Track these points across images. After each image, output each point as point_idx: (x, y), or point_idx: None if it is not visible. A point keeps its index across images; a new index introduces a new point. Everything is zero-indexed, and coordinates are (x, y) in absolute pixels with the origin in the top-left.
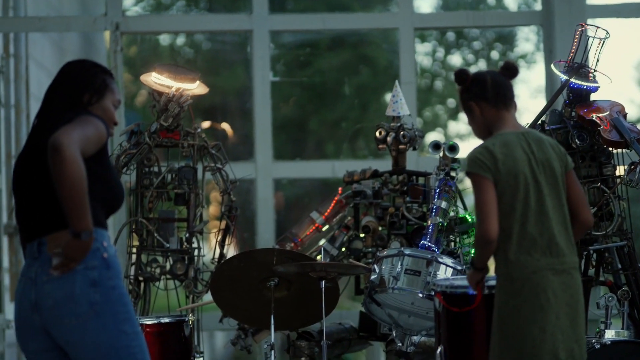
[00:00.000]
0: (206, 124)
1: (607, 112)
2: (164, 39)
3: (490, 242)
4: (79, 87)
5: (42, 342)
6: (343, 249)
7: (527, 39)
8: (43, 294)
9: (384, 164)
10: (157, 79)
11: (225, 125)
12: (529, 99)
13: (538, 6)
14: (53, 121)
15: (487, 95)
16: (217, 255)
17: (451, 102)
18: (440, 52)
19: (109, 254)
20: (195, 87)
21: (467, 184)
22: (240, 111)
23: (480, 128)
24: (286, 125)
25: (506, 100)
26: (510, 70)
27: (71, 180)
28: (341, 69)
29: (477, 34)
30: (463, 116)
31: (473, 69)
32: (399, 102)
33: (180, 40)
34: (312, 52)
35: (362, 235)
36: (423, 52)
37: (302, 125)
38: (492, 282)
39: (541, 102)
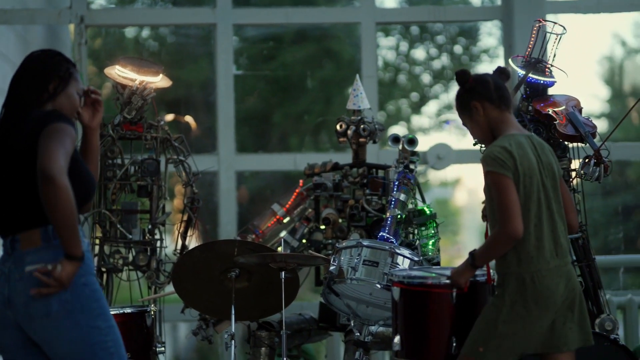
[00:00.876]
0: (170, 117)
1: (563, 107)
2: (129, 32)
3: (516, 240)
4: (44, 76)
5: (16, 337)
6: (303, 241)
7: (490, 34)
8: (16, 291)
9: (346, 157)
10: (120, 72)
11: (188, 118)
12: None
13: (498, 1)
14: (22, 118)
15: (492, 95)
16: (179, 246)
17: (414, 96)
18: (404, 46)
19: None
20: (159, 80)
21: (426, 177)
22: (204, 104)
23: (483, 129)
24: (249, 118)
25: (508, 102)
26: (505, 74)
27: (65, 209)
28: (305, 62)
29: (441, 28)
30: (426, 110)
31: (436, 64)
32: (359, 96)
33: (145, 33)
34: (276, 46)
35: (322, 227)
36: (387, 46)
37: (265, 118)
38: (482, 279)
39: None
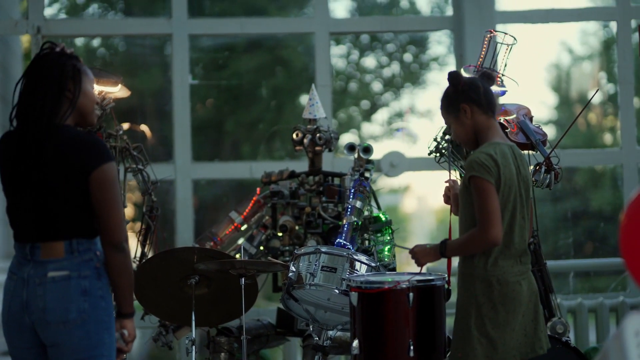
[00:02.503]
0: (125, 126)
1: (514, 115)
2: (79, 40)
3: (495, 246)
4: (59, 84)
5: (27, 340)
6: (261, 248)
7: (439, 42)
8: (35, 295)
9: (300, 165)
10: None
11: (144, 127)
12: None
13: (449, 11)
14: (51, 132)
15: (481, 100)
16: (138, 254)
17: (365, 103)
18: (355, 55)
19: (100, 264)
20: (118, 90)
21: (380, 184)
22: (158, 113)
23: (468, 131)
24: (204, 127)
25: (494, 108)
26: (492, 79)
27: (130, 274)
28: (257, 71)
29: (391, 37)
30: (376, 117)
31: (386, 72)
32: (315, 105)
33: (96, 41)
34: (230, 55)
35: (279, 234)
36: (338, 55)
37: (219, 127)
38: (439, 283)
39: None
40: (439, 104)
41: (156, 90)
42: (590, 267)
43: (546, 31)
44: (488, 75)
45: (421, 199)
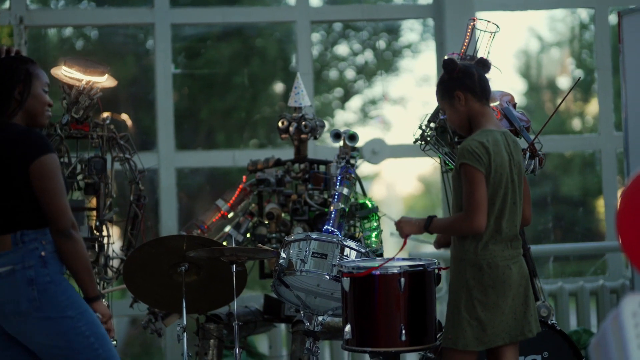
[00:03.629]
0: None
1: (498, 102)
2: (52, 31)
3: (478, 233)
4: (7, 86)
5: None
6: (248, 235)
7: (411, 29)
8: None
9: (284, 153)
10: (67, 72)
11: (124, 116)
12: (415, 87)
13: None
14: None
15: (475, 88)
16: (127, 243)
17: (339, 91)
18: (329, 42)
19: (46, 252)
20: (105, 80)
21: (370, 170)
22: (136, 102)
23: (462, 118)
24: (187, 116)
25: (489, 95)
26: (487, 67)
27: (82, 258)
28: (232, 59)
29: (364, 25)
30: (350, 105)
31: (359, 59)
32: (300, 94)
33: (69, 31)
34: (206, 45)
35: (266, 221)
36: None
37: (201, 116)
38: (430, 268)
39: (426, 91)
40: (412, 91)
41: (131, 79)
42: (570, 252)
43: (515, 18)
44: (483, 63)
45: (390, 186)
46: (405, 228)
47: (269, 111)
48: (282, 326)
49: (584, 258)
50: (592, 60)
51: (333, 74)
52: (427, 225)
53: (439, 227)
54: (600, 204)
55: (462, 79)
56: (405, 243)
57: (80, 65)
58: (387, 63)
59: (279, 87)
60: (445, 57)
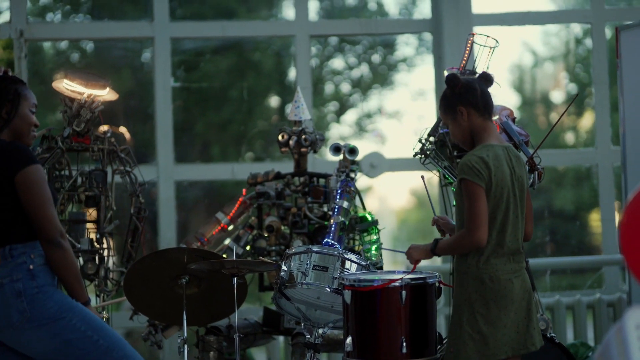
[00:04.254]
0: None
1: (497, 116)
2: (47, 43)
3: (479, 248)
4: None
5: None
6: (248, 248)
7: (407, 43)
8: None
9: (282, 166)
10: (68, 86)
11: (123, 129)
12: (410, 101)
13: (417, 14)
14: None
15: (478, 103)
16: (127, 255)
17: (334, 104)
18: (324, 56)
19: (34, 265)
20: (106, 93)
21: (364, 184)
22: (134, 115)
23: (464, 132)
24: (183, 129)
25: (491, 110)
26: (490, 81)
27: (72, 266)
28: (228, 73)
29: (360, 39)
30: (346, 118)
31: (355, 73)
32: (300, 107)
33: (64, 44)
34: (202, 59)
35: (265, 234)
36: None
37: (196, 129)
38: (431, 281)
39: (422, 105)
40: (407, 105)
41: (128, 92)
42: (567, 265)
43: (509, 32)
44: (486, 77)
45: (382, 200)
46: (414, 254)
47: (264, 124)
48: (281, 339)
49: (580, 271)
50: (586, 74)
51: (328, 87)
52: (434, 248)
53: (445, 248)
54: (595, 218)
55: (465, 94)
56: (414, 268)
57: (81, 79)
58: (382, 77)
59: (274, 100)
60: (448, 73)
